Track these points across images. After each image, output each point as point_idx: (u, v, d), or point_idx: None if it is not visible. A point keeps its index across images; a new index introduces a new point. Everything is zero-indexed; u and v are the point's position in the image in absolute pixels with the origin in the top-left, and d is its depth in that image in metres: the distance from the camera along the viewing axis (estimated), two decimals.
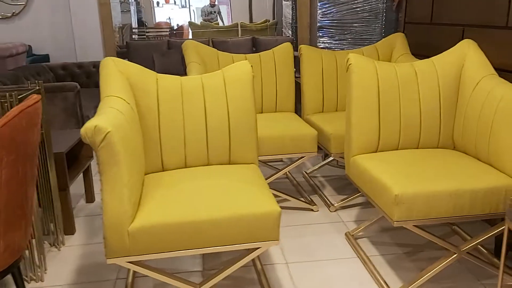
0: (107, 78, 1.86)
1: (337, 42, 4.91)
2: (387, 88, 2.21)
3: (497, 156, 1.93)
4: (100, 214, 2.82)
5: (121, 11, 9.61)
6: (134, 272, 2.18)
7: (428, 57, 3.17)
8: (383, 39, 3.30)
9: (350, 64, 2.21)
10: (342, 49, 4.66)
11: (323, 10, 5.27)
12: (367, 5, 4.10)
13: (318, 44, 5.49)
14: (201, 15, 11.24)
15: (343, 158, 2.77)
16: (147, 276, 2.14)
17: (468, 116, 2.14)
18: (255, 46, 6.26)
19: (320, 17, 5.39)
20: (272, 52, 3.16)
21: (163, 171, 2.05)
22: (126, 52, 5.98)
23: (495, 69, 2.25)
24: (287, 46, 3.19)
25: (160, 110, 1.98)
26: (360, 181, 2.14)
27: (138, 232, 1.59)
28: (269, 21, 9.73)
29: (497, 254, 2.22)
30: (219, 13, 11.32)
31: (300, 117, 3.08)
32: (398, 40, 3.22)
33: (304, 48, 3.11)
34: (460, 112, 2.21)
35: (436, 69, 2.26)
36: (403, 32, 3.65)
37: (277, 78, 3.12)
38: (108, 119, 1.55)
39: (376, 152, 2.23)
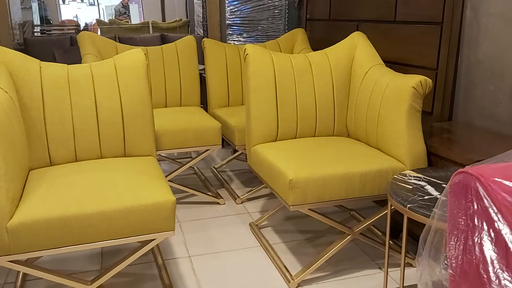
0: None
1: (245, 39, 4.96)
2: (284, 78, 2.25)
3: (384, 141, 2.04)
4: None
5: (22, 7, 9.00)
6: (25, 274, 2.02)
7: None
8: (284, 34, 3.38)
9: (247, 55, 2.23)
10: None
11: (231, 7, 5.31)
12: (272, 2, 4.18)
13: (228, 41, 5.51)
14: (115, 14, 10.86)
15: None
16: (39, 278, 2.00)
17: (359, 105, 2.24)
18: (164, 43, 6.16)
19: (229, 15, 5.42)
20: (174, 45, 3.11)
21: (50, 165, 1.92)
22: (23, 49, 5.59)
23: (385, 61, 2.38)
24: (189, 39, 3.15)
25: (45, 100, 1.86)
26: (260, 170, 2.15)
27: (18, 228, 1.47)
28: (181, 20, 9.61)
29: (392, 236, 2.34)
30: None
31: (207, 111, 3.05)
32: (299, 36, 3.31)
33: (207, 42, 3.09)
34: (352, 101, 2.31)
35: (329, 60, 2.35)
36: (304, 28, 3.77)
37: (181, 71, 3.07)
38: None
39: (275, 141, 2.26)
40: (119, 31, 9.18)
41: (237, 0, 5.06)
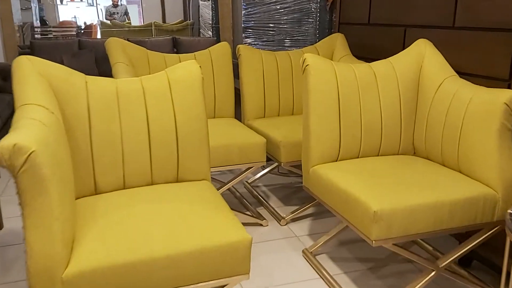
0: (23, 82, 1.46)
1: (264, 43, 4.73)
2: (347, 92, 2.03)
3: (469, 162, 1.82)
4: (13, 244, 2.34)
5: (21, 8, 8.69)
6: None
7: (367, 59, 3.08)
8: (323, 39, 3.15)
9: (307, 65, 2.00)
10: (273, 50, 4.49)
11: (249, 10, 5.08)
12: (297, 5, 3.96)
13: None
14: (105, 15, 10.54)
15: (294, 167, 2.56)
16: None
17: (432, 121, 2.02)
18: (176, 47, 5.91)
19: (246, 18, 5.19)
20: (208, 52, 2.87)
21: (96, 194, 1.68)
22: (29, 53, 5.31)
23: None
24: (224, 46, 2.92)
25: (92, 119, 1.62)
26: (324, 194, 1.93)
27: (75, 280, 1.23)
28: (183, 21, 9.38)
29: (462, 265, 2.13)
30: (127, 13, 10.66)
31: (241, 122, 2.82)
32: (338, 41, 3.09)
33: (242, 49, 2.86)
34: (422, 116, 2.09)
35: (395, 71, 2.13)
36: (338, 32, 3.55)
37: (215, 80, 2.84)
38: (30, 135, 1.18)
39: (337, 161, 2.04)
40: (120, 33, 8.91)
41: (255, 3, 4.83)
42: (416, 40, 2.27)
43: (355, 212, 1.68)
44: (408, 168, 1.89)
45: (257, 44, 4.93)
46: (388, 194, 1.64)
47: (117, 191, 1.69)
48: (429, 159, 2.07)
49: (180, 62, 2.77)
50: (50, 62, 1.58)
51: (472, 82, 1.95)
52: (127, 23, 10.38)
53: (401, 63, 2.15)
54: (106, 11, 10.57)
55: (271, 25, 4.56)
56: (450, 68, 2.09)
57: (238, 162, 2.40)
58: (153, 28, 9.61)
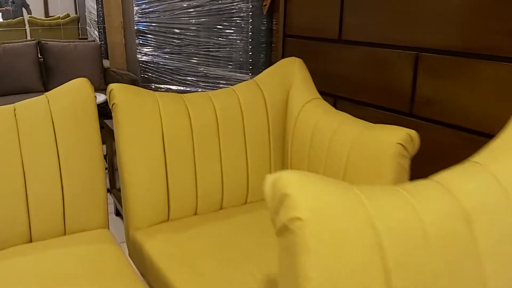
0: None
1: (167, 56, 3.30)
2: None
3: None
4: None
5: None
6: None
7: (337, 98, 1.86)
8: (267, 69, 1.80)
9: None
10: (181, 70, 3.09)
11: (143, 6, 3.60)
12: (216, 4, 2.59)
13: (138, 56, 3.80)
14: None
15: None
16: None
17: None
18: (43, 55, 4.26)
19: (139, 17, 3.71)
20: (44, 99, 1.40)
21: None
22: None
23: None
24: (82, 84, 1.46)
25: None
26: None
27: None
28: (68, 16, 7.50)
29: None
30: (25, 4, 8.27)
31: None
32: (296, 72, 1.76)
33: (118, 92, 1.42)
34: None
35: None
36: (282, 51, 2.25)
37: (64, 153, 1.40)
38: None
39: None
40: None
41: None
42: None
43: None
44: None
45: (157, 56, 3.48)
46: None
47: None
48: None
49: None
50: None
51: None
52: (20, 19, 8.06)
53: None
54: None
55: (176, 30, 3.15)
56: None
57: None
58: (27, 26, 7.58)
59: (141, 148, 1.38)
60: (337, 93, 1.88)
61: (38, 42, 4.27)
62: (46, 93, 1.39)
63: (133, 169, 1.38)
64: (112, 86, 1.42)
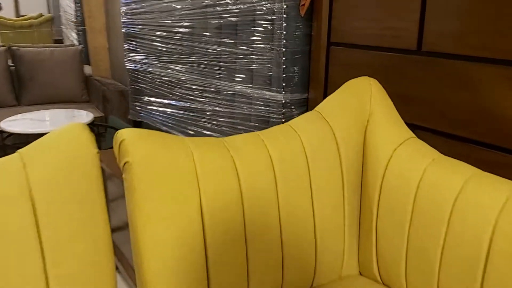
0: None
1: (165, 65, 2.78)
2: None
3: None
4: None
5: None
6: None
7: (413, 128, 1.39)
8: (332, 95, 1.31)
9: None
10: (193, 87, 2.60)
11: (132, 6, 3.07)
12: (241, 3, 2.09)
13: (127, 64, 3.26)
14: None
15: None
16: None
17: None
18: (14, 62, 3.67)
19: (128, 18, 3.17)
20: (18, 158, 0.90)
21: None
22: None
23: None
24: (76, 131, 0.96)
25: None
26: None
27: None
28: (41, 16, 6.84)
29: None
30: None
31: None
32: (373, 98, 1.29)
33: (132, 139, 0.93)
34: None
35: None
36: (326, 61, 1.77)
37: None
38: None
39: None
40: None
41: None
42: None
43: None
44: None
45: (152, 64, 2.96)
46: None
47: None
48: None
49: None
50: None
51: None
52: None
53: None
54: None
55: (176, 35, 2.62)
56: None
57: None
58: None
59: (168, 225, 0.88)
60: (415, 121, 1.41)
61: (9, 48, 3.68)
62: (20, 151, 0.87)
63: (157, 260, 0.87)
64: (123, 134, 0.92)
